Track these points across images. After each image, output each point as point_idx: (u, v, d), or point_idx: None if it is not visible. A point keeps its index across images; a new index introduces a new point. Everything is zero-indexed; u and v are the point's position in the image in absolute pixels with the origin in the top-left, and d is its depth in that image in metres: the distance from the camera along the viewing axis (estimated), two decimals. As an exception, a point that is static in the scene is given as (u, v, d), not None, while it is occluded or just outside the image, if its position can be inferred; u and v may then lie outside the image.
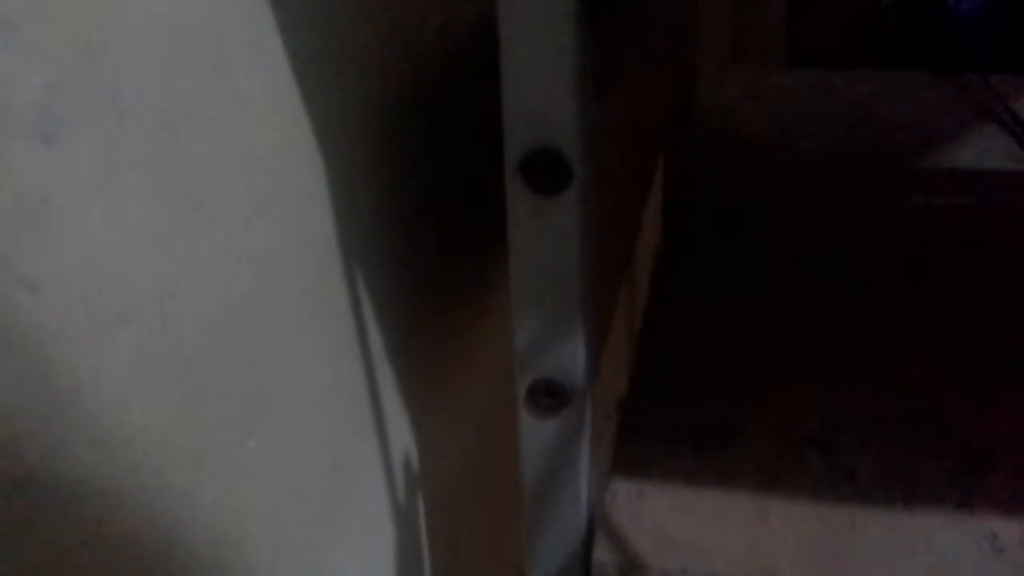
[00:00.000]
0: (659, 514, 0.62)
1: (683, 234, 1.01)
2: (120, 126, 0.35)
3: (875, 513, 0.61)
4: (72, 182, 0.33)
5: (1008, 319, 0.82)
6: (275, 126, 0.46)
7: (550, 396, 0.55)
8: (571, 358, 0.54)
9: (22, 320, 0.31)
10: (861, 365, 0.76)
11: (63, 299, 0.33)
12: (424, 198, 0.65)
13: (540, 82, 0.47)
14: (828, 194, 1.10)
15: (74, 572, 0.35)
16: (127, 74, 0.36)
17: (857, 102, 1.36)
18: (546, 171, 0.49)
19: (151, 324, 0.38)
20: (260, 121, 0.44)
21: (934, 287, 0.87)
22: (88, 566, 0.35)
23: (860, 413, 0.71)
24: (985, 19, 1.79)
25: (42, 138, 0.32)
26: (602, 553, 0.60)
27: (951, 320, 0.82)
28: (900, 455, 0.66)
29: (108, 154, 0.35)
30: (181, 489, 0.40)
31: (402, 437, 0.64)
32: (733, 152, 1.23)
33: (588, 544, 0.60)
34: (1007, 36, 1.67)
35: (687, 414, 0.71)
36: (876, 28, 1.95)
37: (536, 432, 0.56)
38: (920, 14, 1.89)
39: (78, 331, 0.34)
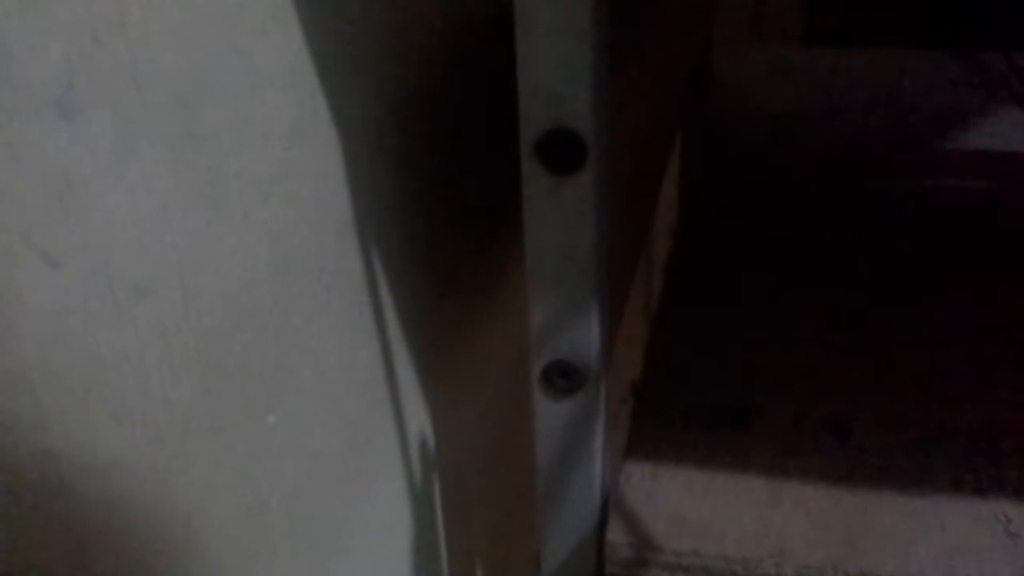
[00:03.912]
0: (673, 496, 0.62)
1: (700, 213, 1.01)
2: (139, 102, 0.35)
3: (889, 497, 0.61)
4: (92, 158, 0.33)
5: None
6: (292, 103, 0.46)
7: (565, 378, 0.55)
8: (586, 340, 0.54)
9: (44, 294, 0.32)
10: (877, 348, 0.76)
11: (84, 274, 0.33)
12: (441, 177, 0.65)
13: (556, 63, 0.47)
14: (846, 173, 1.09)
15: (98, 543, 0.35)
16: (146, 50, 0.35)
17: (876, 80, 1.35)
18: (561, 151, 0.49)
19: (171, 299, 0.38)
20: (277, 97, 0.44)
21: (952, 269, 0.87)
22: (111, 538, 0.36)
23: (875, 397, 0.70)
24: (1006, -1, 1.77)
25: (62, 114, 0.32)
26: (616, 534, 0.60)
27: (970, 304, 0.82)
28: (915, 439, 0.66)
29: (127, 130, 0.35)
30: (202, 463, 0.41)
31: (418, 416, 0.64)
32: (751, 130, 1.22)
33: (602, 525, 0.60)
34: (1027, 15, 1.65)
35: (702, 396, 0.71)
36: (895, 5, 1.93)
37: (551, 414, 0.56)
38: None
39: (99, 305, 0.34)
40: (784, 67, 1.40)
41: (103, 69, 0.34)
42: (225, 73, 0.40)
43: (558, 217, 0.51)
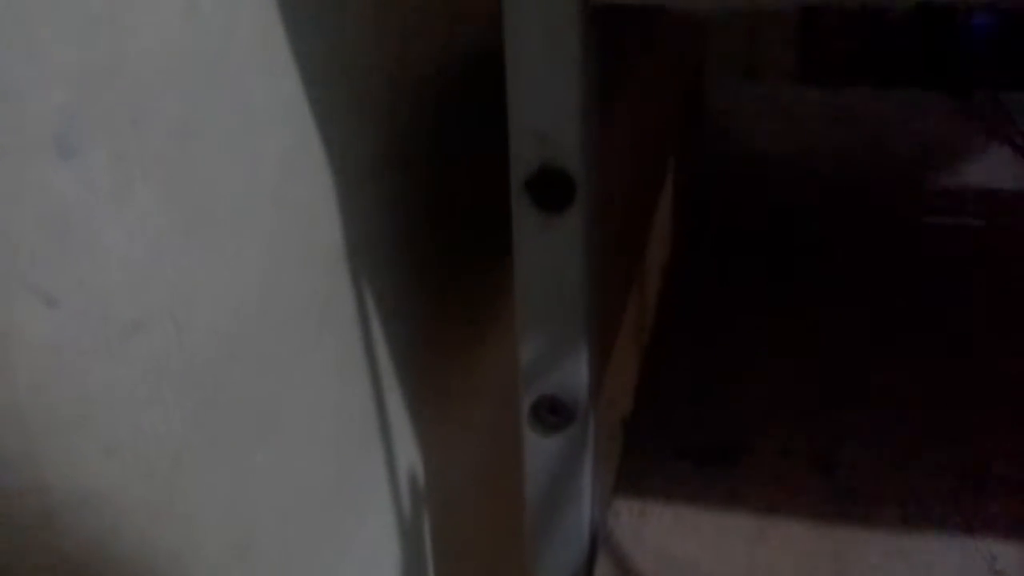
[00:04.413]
0: (661, 533, 0.62)
1: (692, 249, 1.02)
2: (136, 141, 0.36)
3: (876, 535, 0.61)
4: (88, 196, 0.34)
5: (1013, 339, 0.82)
6: (284, 139, 0.46)
7: (553, 414, 0.55)
8: (575, 376, 0.54)
9: (39, 330, 0.32)
10: (865, 385, 0.77)
11: (79, 310, 0.34)
12: (432, 212, 0.66)
13: (545, 103, 0.48)
14: (836, 211, 1.10)
15: (85, 578, 0.35)
16: (143, 90, 0.36)
17: (866, 119, 1.36)
18: (551, 189, 0.50)
19: (163, 334, 0.38)
20: (269, 134, 0.45)
21: (940, 307, 0.88)
22: (102, 571, 0.36)
23: (863, 434, 0.71)
24: (996, 37, 1.79)
25: (60, 154, 0.33)
26: (604, 571, 0.60)
27: (956, 340, 0.82)
28: (902, 477, 0.66)
29: (123, 169, 0.36)
30: (191, 498, 0.41)
31: (407, 451, 0.64)
32: (743, 167, 1.24)
33: (590, 562, 0.60)
34: (1018, 54, 1.67)
35: (691, 433, 0.71)
36: (887, 45, 1.96)
37: (539, 449, 0.56)
38: (931, 31, 1.89)
39: (92, 341, 0.35)
40: (778, 105, 1.42)
41: (101, 109, 0.34)
42: (220, 111, 0.41)
43: (547, 254, 0.52)
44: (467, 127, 0.71)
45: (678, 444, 0.70)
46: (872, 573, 0.58)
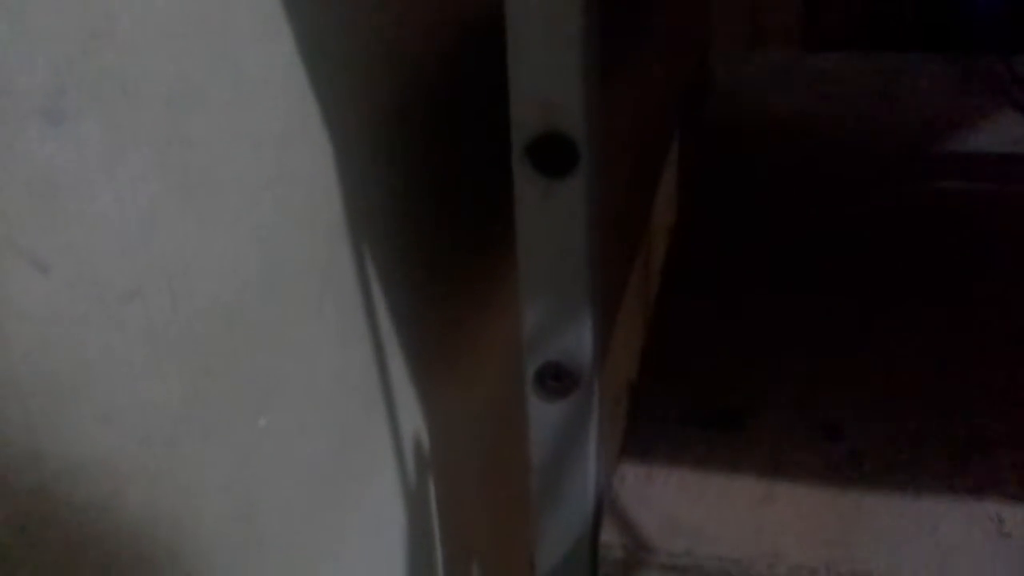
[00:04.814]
0: (667, 497, 0.62)
1: (698, 215, 1.01)
2: (127, 108, 0.36)
3: (882, 498, 0.61)
4: (80, 163, 0.34)
5: (1020, 305, 0.81)
6: (283, 109, 0.46)
7: (557, 380, 0.55)
8: (578, 342, 0.54)
9: (32, 298, 0.32)
10: (872, 350, 0.76)
11: (72, 277, 0.34)
12: (432, 181, 0.65)
13: (546, 68, 0.47)
14: (844, 176, 1.09)
15: (87, 546, 0.35)
16: (134, 57, 0.36)
17: (874, 85, 1.35)
18: (553, 154, 0.49)
19: (160, 302, 0.38)
20: (268, 103, 0.45)
21: (947, 272, 0.87)
22: (100, 539, 0.36)
23: (869, 398, 0.70)
24: (1004, 1, 1.77)
25: (50, 121, 0.32)
26: (610, 536, 0.60)
27: (968, 306, 0.82)
28: (908, 440, 0.66)
29: (115, 135, 0.35)
30: (191, 465, 0.41)
31: (412, 419, 0.64)
32: (749, 133, 1.23)
33: (596, 527, 0.60)
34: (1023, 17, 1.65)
35: (697, 397, 0.71)
36: (894, 10, 1.94)
37: (544, 415, 0.56)
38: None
39: (87, 309, 0.34)
40: (783, 72, 1.41)
41: (92, 76, 0.34)
42: (215, 79, 0.41)
43: (550, 220, 0.51)
44: (468, 93, 0.70)
45: (684, 409, 0.70)
46: (878, 536, 0.58)
